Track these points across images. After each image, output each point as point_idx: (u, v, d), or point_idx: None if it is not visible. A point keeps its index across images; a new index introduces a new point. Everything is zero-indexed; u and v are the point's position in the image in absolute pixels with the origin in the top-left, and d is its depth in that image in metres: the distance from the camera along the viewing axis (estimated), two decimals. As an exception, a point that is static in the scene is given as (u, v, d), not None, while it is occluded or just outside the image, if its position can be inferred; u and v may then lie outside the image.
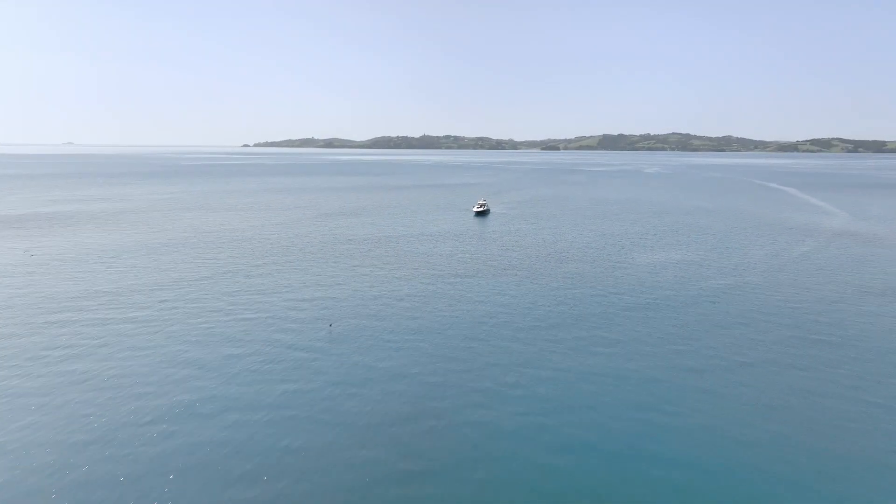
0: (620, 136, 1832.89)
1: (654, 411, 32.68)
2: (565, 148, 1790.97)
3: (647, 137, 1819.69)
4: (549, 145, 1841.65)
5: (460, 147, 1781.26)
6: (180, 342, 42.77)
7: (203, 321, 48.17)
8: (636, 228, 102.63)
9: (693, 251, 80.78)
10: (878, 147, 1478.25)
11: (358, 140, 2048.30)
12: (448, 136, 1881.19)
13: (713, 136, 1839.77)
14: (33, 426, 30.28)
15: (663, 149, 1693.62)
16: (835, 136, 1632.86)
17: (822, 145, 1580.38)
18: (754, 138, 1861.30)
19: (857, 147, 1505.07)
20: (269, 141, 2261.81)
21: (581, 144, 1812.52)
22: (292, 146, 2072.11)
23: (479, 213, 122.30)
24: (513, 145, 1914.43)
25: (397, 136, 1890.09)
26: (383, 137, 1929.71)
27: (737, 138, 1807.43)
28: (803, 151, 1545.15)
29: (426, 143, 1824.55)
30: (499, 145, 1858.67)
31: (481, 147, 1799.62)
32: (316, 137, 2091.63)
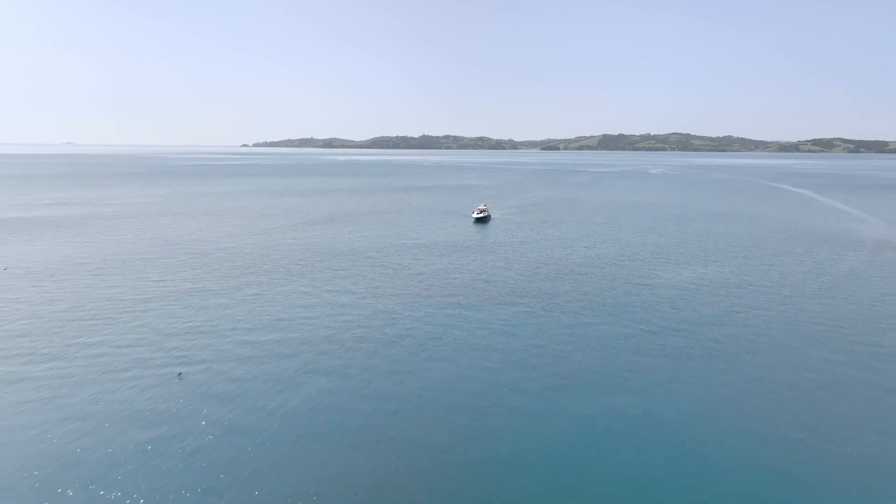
0: (621, 136, 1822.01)
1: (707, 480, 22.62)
2: (565, 148, 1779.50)
3: (647, 137, 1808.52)
4: (549, 145, 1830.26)
5: (460, 147, 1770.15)
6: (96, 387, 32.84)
7: (135, 356, 38.26)
8: (654, 237, 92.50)
9: (725, 266, 70.66)
10: (879, 147, 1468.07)
11: (357, 140, 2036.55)
12: (448, 136, 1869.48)
13: (714, 136, 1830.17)
14: None
15: (663, 149, 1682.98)
16: (836, 137, 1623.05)
17: (823, 145, 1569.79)
18: (755, 138, 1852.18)
19: (858, 147, 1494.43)
20: (268, 141, 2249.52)
21: (581, 144, 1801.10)
22: (291, 146, 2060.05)
23: (478, 220, 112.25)
24: (512, 145, 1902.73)
25: (396, 136, 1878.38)
26: (382, 137, 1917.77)
27: (737, 138, 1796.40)
28: (804, 151, 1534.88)
29: (425, 143, 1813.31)
30: (498, 145, 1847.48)
31: (481, 147, 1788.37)
32: (315, 137, 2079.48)
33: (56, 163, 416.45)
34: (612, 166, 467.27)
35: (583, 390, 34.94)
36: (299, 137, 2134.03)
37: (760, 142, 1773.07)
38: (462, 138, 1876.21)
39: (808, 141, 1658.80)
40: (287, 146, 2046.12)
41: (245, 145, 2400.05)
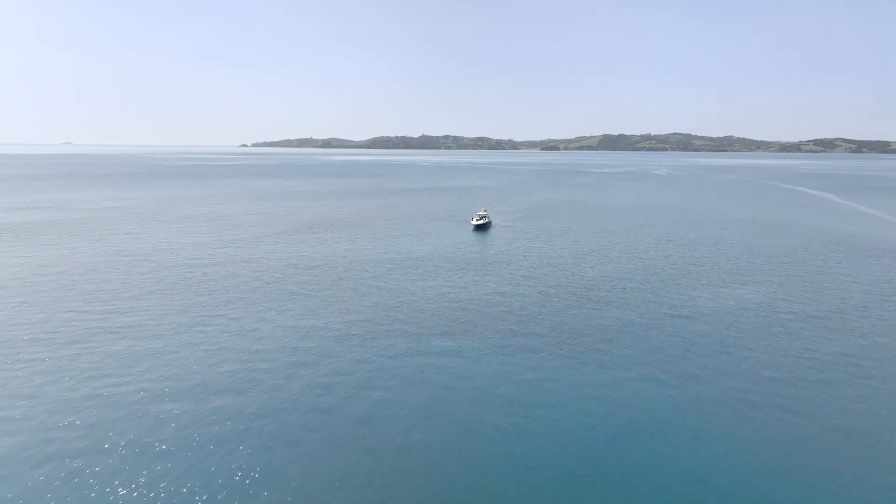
0: (621, 136, 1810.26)
1: None
2: (565, 148, 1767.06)
3: (647, 138, 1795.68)
4: (549, 145, 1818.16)
5: (460, 147, 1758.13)
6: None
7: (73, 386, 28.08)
8: (674, 249, 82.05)
9: (767, 287, 60.17)
10: (882, 147, 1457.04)
11: (356, 140, 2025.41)
12: (447, 137, 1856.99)
13: (714, 136, 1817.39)
14: None
15: (664, 149, 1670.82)
16: (837, 137, 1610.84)
17: (825, 145, 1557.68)
18: (756, 138, 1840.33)
19: (860, 147, 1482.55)
20: (267, 141, 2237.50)
21: (581, 144, 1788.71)
22: (290, 146, 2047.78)
23: (478, 227, 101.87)
24: (512, 145, 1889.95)
25: (396, 137, 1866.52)
26: (382, 137, 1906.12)
27: (738, 138, 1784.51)
28: (806, 152, 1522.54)
29: (425, 143, 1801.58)
30: (498, 145, 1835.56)
31: (481, 147, 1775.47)
32: (314, 137, 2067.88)
33: (45, 163, 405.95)
34: (614, 167, 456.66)
35: (620, 489, 24.59)
36: (298, 137, 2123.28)
37: (761, 142, 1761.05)
38: (462, 138, 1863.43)
39: (809, 141, 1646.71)
40: (286, 146, 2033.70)
41: (244, 145, 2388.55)
